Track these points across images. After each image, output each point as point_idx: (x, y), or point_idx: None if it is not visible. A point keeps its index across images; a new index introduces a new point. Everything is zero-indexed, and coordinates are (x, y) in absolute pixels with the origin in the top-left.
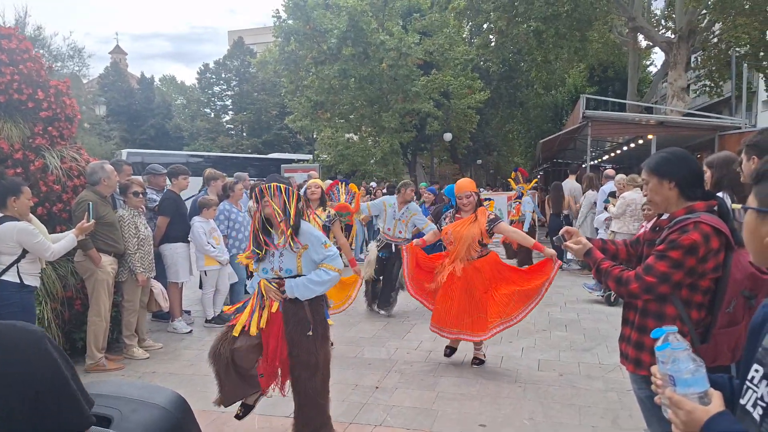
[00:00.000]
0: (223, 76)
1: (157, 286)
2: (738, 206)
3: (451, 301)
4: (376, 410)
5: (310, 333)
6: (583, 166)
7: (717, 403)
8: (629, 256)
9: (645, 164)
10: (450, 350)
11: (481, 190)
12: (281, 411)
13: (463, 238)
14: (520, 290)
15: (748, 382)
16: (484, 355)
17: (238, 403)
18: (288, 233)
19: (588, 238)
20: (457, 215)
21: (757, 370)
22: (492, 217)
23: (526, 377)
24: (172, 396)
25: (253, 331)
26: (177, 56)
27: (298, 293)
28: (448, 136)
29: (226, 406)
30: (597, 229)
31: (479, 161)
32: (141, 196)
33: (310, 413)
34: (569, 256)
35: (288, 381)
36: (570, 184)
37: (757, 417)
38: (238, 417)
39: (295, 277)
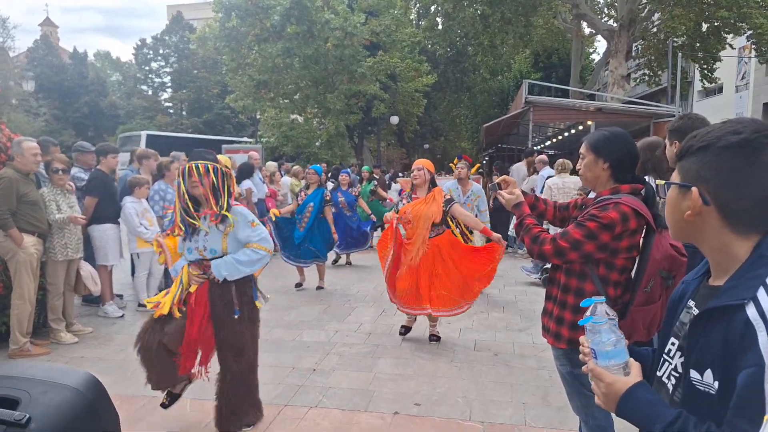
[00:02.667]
0: (161, 52)
1: (86, 269)
2: (662, 182)
3: (416, 279)
4: (312, 392)
5: (236, 316)
6: (534, 149)
7: (635, 373)
8: (554, 218)
9: (586, 139)
10: (405, 329)
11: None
12: (212, 395)
13: (423, 216)
14: (478, 273)
15: (665, 355)
16: (438, 331)
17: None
18: (216, 212)
19: (522, 192)
20: (413, 195)
21: (673, 343)
22: (448, 197)
23: (463, 357)
24: (85, 377)
25: (175, 313)
26: (110, 30)
27: (226, 272)
28: (395, 120)
29: (153, 390)
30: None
31: (426, 146)
32: (61, 173)
33: (237, 394)
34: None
35: (208, 364)
36: (519, 168)
37: (670, 387)
38: (164, 406)
39: (220, 257)
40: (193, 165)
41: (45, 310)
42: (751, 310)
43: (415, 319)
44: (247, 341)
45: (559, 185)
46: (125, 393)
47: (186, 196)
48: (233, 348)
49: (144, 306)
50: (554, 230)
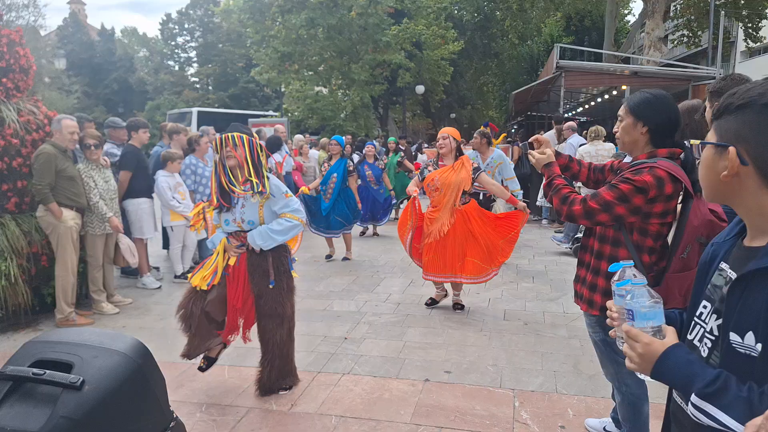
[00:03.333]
0: (186, 26)
1: (125, 241)
2: (696, 141)
3: (444, 248)
4: (344, 360)
5: (271, 285)
6: (564, 116)
7: (671, 337)
8: (588, 181)
9: (627, 100)
10: (432, 301)
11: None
12: (250, 362)
13: (452, 184)
14: (503, 240)
15: (696, 318)
16: (461, 300)
17: (201, 356)
18: (255, 181)
19: (556, 153)
20: (440, 162)
21: (705, 306)
22: (476, 165)
23: (492, 326)
24: (133, 342)
25: (217, 279)
26: (134, 6)
27: (260, 242)
28: (420, 89)
29: (190, 359)
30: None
31: (453, 115)
32: (93, 148)
33: (275, 361)
34: (545, 213)
35: (249, 330)
36: (549, 137)
37: (705, 350)
38: (201, 369)
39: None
40: (228, 136)
41: (86, 282)
42: None
43: (445, 293)
44: (287, 310)
45: (592, 153)
46: (167, 360)
47: (221, 166)
48: (273, 316)
49: (180, 277)
50: (586, 192)
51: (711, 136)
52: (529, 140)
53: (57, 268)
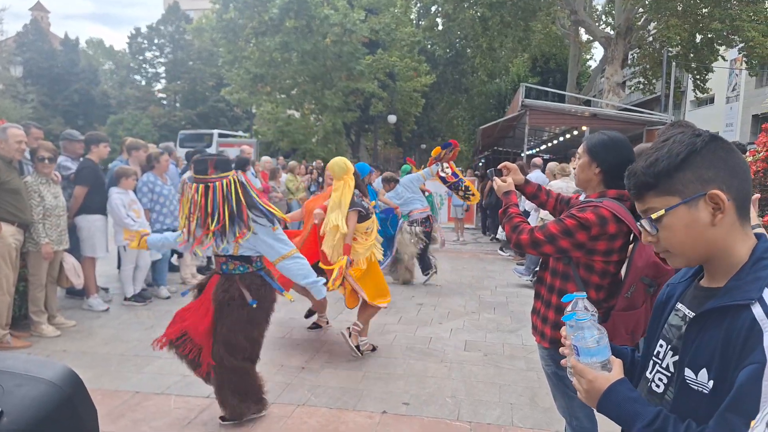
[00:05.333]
0: (156, 41)
1: (69, 261)
2: (658, 213)
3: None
4: (300, 390)
5: (253, 305)
6: (522, 155)
7: (617, 371)
8: (554, 211)
9: (586, 139)
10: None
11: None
12: (197, 390)
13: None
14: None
15: (654, 357)
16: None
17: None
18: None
19: (525, 181)
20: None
21: (661, 345)
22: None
23: (453, 357)
24: (63, 370)
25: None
26: (100, 18)
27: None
28: (392, 118)
29: None
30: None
31: (423, 146)
32: (47, 161)
33: (232, 379)
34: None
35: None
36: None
37: (661, 386)
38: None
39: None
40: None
41: (26, 302)
42: (757, 310)
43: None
44: (241, 342)
45: (563, 189)
46: (108, 388)
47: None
48: (227, 344)
49: (131, 300)
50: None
51: (666, 202)
52: (498, 167)
53: None
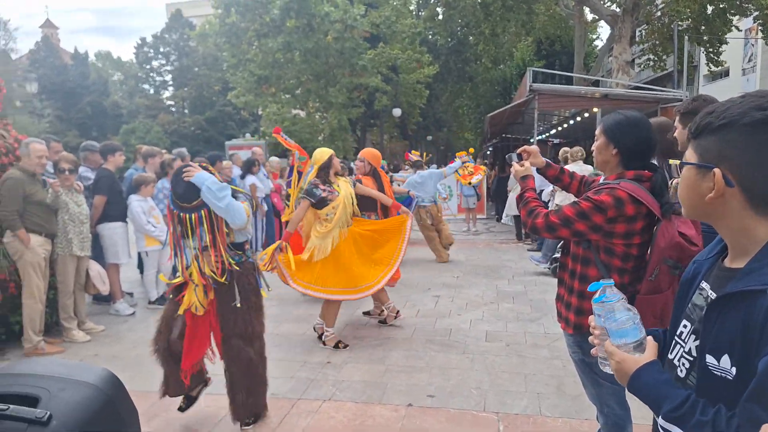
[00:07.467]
0: (161, 50)
1: (95, 268)
2: (676, 162)
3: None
4: (325, 385)
5: (238, 305)
6: (531, 141)
7: (649, 353)
8: (578, 193)
9: (602, 120)
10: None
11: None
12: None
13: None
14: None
15: (676, 337)
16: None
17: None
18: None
19: (547, 164)
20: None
21: (685, 326)
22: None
23: (474, 348)
24: (103, 373)
25: (200, 311)
26: (104, 30)
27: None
28: (397, 112)
29: (171, 396)
30: (546, 202)
31: (429, 137)
32: (68, 173)
33: (248, 383)
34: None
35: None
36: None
37: (683, 371)
38: (181, 409)
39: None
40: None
41: (57, 310)
42: None
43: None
44: (255, 328)
45: (577, 173)
46: (140, 389)
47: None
48: (242, 336)
49: (155, 303)
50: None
51: (690, 156)
52: (518, 151)
53: (24, 296)
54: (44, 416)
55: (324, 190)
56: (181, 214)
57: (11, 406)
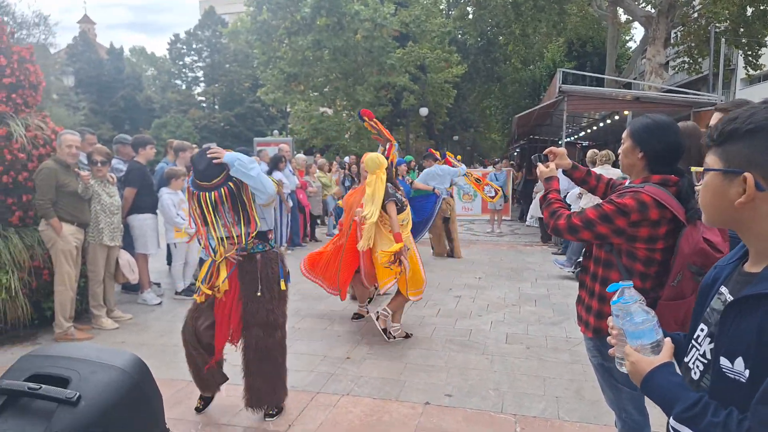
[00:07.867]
0: (194, 46)
1: (124, 257)
2: (698, 169)
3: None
4: (344, 380)
5: (259, 293)
6: (560, 143)
7: (664, 354)
8: (605, 196)
9: (631, 123)
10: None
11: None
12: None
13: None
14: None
15: (693, 341)
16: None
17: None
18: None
19: (573, 166)
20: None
21: (702, 329)
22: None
23: (494, 350)
24: (131, 358)
25: (220, 294)
26: (139, 26)
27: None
28: (424, 111)
29: (202, 392)
30: (570, 205)
31: (456, 137)
32: (100, 164)
33: (265, 367)
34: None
35: (237, 341)
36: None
37: (697, 373)
38: (198, 410)
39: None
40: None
41: (87, 297)
42: None
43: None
44: (278, 318)
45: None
46: (165, 377)
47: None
48: (263, 324)
49: (181, 294)
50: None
51: (714, 162)
52: (545, 152)
53: (55, 283)
54: (74, 397)
55: (402, 196)
56: (201, 193)
57: (43, 386)
